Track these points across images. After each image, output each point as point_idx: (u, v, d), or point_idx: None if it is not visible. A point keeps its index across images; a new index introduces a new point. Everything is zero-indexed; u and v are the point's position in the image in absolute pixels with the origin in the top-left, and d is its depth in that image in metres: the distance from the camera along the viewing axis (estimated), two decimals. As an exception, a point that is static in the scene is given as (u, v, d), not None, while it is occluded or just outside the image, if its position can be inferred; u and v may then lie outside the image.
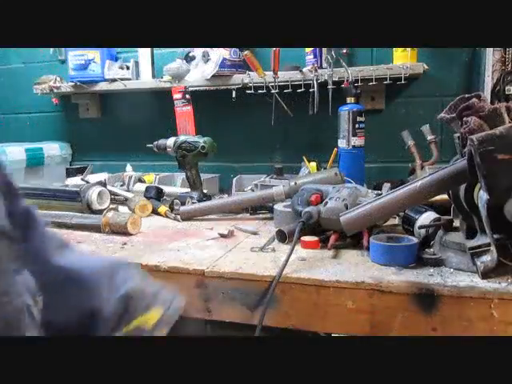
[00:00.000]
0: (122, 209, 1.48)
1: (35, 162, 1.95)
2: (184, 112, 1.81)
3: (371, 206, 0.90)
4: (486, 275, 0.76)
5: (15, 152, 1.87)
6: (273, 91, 1.68)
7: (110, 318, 0.52)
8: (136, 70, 1.92)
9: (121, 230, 1.24)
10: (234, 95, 1.72)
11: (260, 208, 1.44)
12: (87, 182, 1.54)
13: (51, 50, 2.07)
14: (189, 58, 1.81)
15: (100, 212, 1.34)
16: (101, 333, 0.50)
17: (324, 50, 1.65)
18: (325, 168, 1.61)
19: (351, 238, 1.08)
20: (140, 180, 1.81)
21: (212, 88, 1.80)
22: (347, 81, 1.54)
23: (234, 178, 1.75)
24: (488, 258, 0.78)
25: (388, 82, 1.57)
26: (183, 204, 1.47)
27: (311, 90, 1.63)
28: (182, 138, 1.61)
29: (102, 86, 1.88)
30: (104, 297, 0.52)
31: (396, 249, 0.94)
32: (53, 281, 0.51)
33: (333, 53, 1.63)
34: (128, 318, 0.52)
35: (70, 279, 0.52)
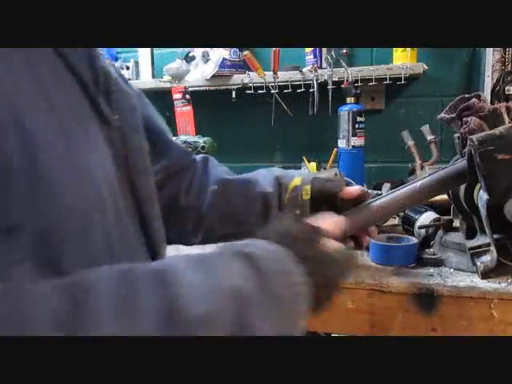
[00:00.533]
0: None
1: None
2: (184, 112, 1.81)
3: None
4: (485, 275, 0.76)
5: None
6: (273, 91, 1.68)
7: (274, 194, 0.80)
8: (136, 70, 1.92)
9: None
10: (233, 95, 1.72)
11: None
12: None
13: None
14: (189, 58, 1.81)
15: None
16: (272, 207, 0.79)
17: (324, 50, 1.65)
18: (325, 168, 1.61)
19: (351, 239, 1.08)
20: (140, 180, 1.81)
21: (212, 88, 1.80)
22: (347, 81, 1.54)
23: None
24: (488, 258, 0.78)
25: (388, 82, 1.57)
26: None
27: (311, 90, 1.63)
28: (181, 138, 1.61)
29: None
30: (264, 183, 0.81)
31: (396, 249, 0.94)
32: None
33: (333, 53, 1.63)
34: (284, 188, 0.81)
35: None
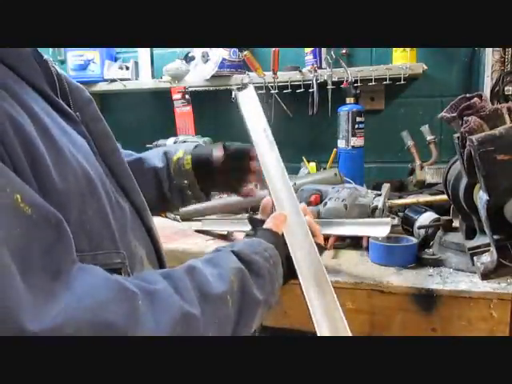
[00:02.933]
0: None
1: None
2: (183, 112, 1.81)
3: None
4: (485, 276, 0.75)
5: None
6: (272, 91, 1.68)
7: (163, 168, 0.92)
8: (135, 70, 1.92)
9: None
10: (233, 96, 1.72)
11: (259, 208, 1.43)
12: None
13: (50, 50, 2.07)
14: (188, 59, 1.81)
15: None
16: None
17: (324, 50, 1.65)
18: (324, 168, 1.61)
19: (351, 239, 1.08)
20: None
21: (211, 88, 1.80)
22: (347, 81, 1.54)
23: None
24: (488, 259, 0.78)
25: (387, 82, 1.57)
26: (183, 204, 1.47)
27: (311, 91, 1.63)
28: (181, 138, 1.61)
29: (102, 87, 1.88)
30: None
31: (395, 249, 0.94)
32: None
33: (332, 53, 1.63)
34: (170, 161, 0.92)
35: None
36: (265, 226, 0.70)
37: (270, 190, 0.77)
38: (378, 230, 0.91)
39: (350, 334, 0.62)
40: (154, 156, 0.96)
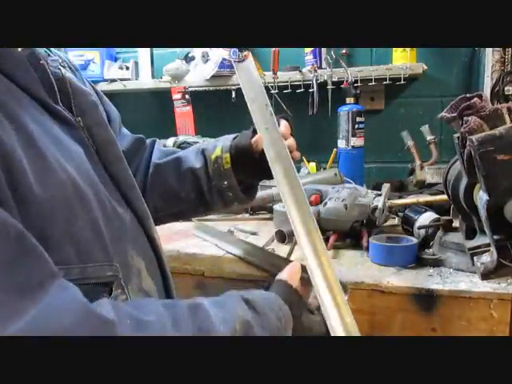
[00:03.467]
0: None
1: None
2: (184, 112, 1.81)
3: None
4: (485, 276, 0.75)
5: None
6: (272, 91, 1.68)
7: (201, 167, 0.87)
8: (135, 70, 1.92)
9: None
10: (233, 95, 1.73)
11: (260, 208, 1.44)
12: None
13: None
14: (188, 59, 1.81)
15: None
16: None
17: (323, 50, 1.65)
18: (324, 168, 1.61)
19: (351, 239, 1.08)
20: (139, 180, 1.81)
21: (211, 88, 1.80)
22: (347, 81, 1.54)
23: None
24: (488, 259, 0.78)
25: (387, 82, 1.57)
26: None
27: (311, 91, 1.63)
28: (181, 138, 1.60)
29: (102, 87, 1.88)
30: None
31: (395, 249, 0.94)
32: None
33: (332, 53, 1.63)
34: (208, 160, 0.86)
35: None
36: (280, 277, 0.66)
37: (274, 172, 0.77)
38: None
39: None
40: (191, 155, 0.90)
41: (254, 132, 0.84)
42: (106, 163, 0.61)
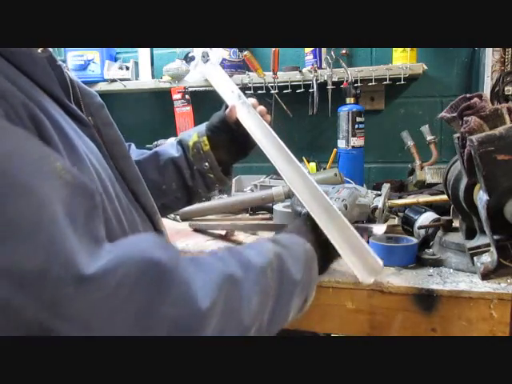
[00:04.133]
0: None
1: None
2: (184, 112, 1.80)
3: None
4: (485, 276, 0.75)
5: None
6: (272, 91, 1.68)
7: (181, 156, 0.92)
8: (135, 70, 1.92)
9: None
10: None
11: (259, 208, 1.44)
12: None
13: (50, 50, 2.07)
14: (188, 59, 1.81)
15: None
16: None
17: (323, 50, 1.65)
18: (324, 168, 1.61)
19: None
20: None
21: (211, 88, 1.79)
22: (347, 81, 1.54)
23: (234, 179, 1.75)
24: (488, 260, 0.78)
25: (387, 82, 1.57)
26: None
27: (311, 91, 1.63)
28: (181, 138, 1.60)
29: (102, 87, 1.88)
30: None
31: (395, 249, 0.94)
32: None
33: (332, 53, 1.63)
34: (186, 148, 0.92)
35: None
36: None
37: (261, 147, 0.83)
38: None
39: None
40: (168, 147, 0.95)
41: (226, 109, 0.90)
42: (115, 160, 0.65)
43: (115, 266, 0.39)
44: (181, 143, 0.94)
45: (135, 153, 0.95)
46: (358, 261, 0.69)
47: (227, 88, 0.95)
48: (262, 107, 0.92)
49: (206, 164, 0.91)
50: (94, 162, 0.54)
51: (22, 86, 0.49)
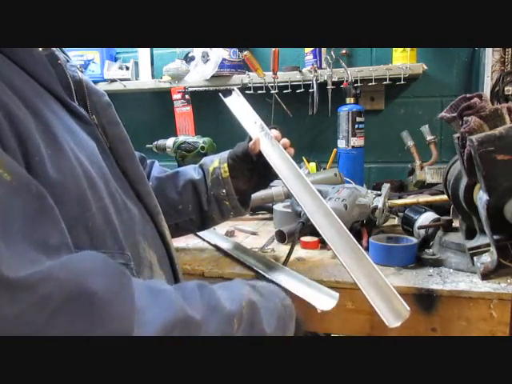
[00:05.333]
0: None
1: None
2: (183, 112, 1.81)
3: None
4: (485, 276, 0.76)
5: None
6: (272, 92, 1.68)
7: (201, 179, 0.94)
8: (135, 70, 1.92)
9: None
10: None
11: (259, 208, 1.44)
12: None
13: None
14: (188, 59, 1.81)
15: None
16: None
17: (323, 50, 1.65)
18: (324, 168, 1.61)
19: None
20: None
21: (211, 88, 1.80)
22: (347, 81, 1.54)
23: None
24: (488, 259, 0.78)
25: (387, 82, 1.57)
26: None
27: (311, 91, 1.63)
28: (181, 138, 1.61)
29: (102, 87, 1.87)
30: None
31: (395, 249, 0.94)
32: None
33: (332, 53, 1.63)
34: (206, 172, 0.94)
35: None
36: None
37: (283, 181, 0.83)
38: (322, 301, 0.76)
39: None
40: (189, 169, 0.96)
41: (250, 140, 0.90)
42: (119, 159, 0.65)
43: (39, 279, 0.35)
44: (202, 167, 0.95)
45: (157, 169, 0.96)
46: (385, 305, 0.67)
47: (250, 118, 0.95)
48: (285, 140, 0.94)
49: (224, 191, 0.91)
50: (81, 159, 0.53)
51: (14, 84, 0.49)
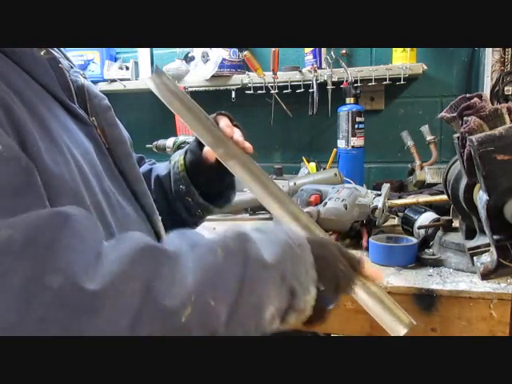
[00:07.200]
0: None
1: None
2: (183, 112, 1.80)
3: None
4: (485, 276, 0.75)
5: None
6: (272, 92, 1.68)
7: (166, 175, 0.85)
8: (135, 70, 1.92)
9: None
10: (233, 96, 1.72)
11: (259, 208, 1.43)
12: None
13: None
14: (188, 59, 1.81)
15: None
16: None
17: (323, 50, 1.65)
18: (324, 168, 1.61)
19: (351, 239, 1.08)
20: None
21: (211, 88, 1.80)
22: (346, 81, 1.54)
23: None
24: (488, 259, 0.78)
25: (387, 82, 1.57)
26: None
27: (311, 91, 1.63)
28: (181, 138, 1.60)
29: (102, 87, 1.88)
30: None
31: (395, 249, 0.94)
32: None
33: (332, 53, 1.63)
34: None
35: None
36: None
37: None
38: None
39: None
40: (161, 165, 0.89)
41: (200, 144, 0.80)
42: (116, 160, 0.66)
43: (9, 224, 0.37)
44: (171, 161, 0.87)
45: (143, 167, 0.90)
46: (389, 318, 0.61)
47: (191, 110, 0.77)
48: (237, 136, 0.74)
49: (182, 187, 0.82)
50: (77, 157, 0.55)
51: (12, 81, 0.51)
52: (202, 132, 0.72)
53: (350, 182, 1.37)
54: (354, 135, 1.49)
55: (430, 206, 1.13)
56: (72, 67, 0.67)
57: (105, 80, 1.88)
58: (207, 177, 0.82)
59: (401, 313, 0.61)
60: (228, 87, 1.74)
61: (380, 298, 0.60)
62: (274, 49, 1.61)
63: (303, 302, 0.48)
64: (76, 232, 0.39)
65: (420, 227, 1.02)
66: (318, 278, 0.50)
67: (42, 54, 0.59)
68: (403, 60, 1.56)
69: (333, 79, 1.60)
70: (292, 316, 0.49)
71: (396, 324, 0.59)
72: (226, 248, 0.45)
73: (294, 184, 1.35)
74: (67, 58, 0.69)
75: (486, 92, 1.44)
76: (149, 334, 0.38)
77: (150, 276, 0.39)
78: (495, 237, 0.70)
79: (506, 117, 0.66)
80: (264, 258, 0.46)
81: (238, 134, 0.74)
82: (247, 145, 0.74)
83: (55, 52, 0.64)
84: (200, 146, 0.80)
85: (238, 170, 0.70)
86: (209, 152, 0.78)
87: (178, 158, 0.85)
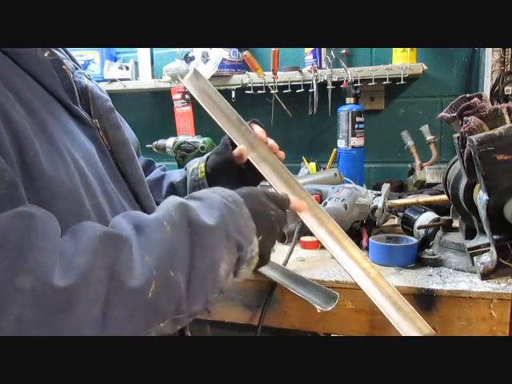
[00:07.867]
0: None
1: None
2: (183, 112, 1.81)
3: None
4: (485, 276, 0.75)
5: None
6: (272, 91, 1.68)
7: (181, 181, 0.89)
8: (135, 70, 1.92)
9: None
10: (233, 95, 1.72)
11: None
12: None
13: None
14: (188, 59, 1.81)
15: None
16: None
17: (323, 50, 1.65)
18: (324, 168, 1.61)
19: (351, 239, 1.08)
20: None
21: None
22: (346, 81, 1.54)
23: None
24: (488, 259, 0.78)
25: (387, 82, 1.57)
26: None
27: (310, 91, 1.63)
28: (181, 138, 1.60)
29: (101, 87, 1.88)
30: None
31: (395, 249, 0.94)
32: None
33: (332, 53, 1.63)
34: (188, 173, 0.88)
35: None
36: None
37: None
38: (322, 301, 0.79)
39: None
40: (175, 171, 0.93)
41: (232, 144, 0.83)
42: (119, 162, 0.66)
43: None
44: (186, 168, 0.91)
45: (154, 172, 0.95)
46: (409, 324, 0.69)
47: (223, 110, 0.84)
48: (272, 142, 0.83)
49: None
50: (76, 158, 0.55)
51: (13, 84, 0.51)
52: (236, 135, 0.80)
53: (349, 182, 1.37)
54: (353, 135, 1.49)
55: (429, 206, 1.13)
56: (77, 68, 0.67)
57: (105, 80, 1.88)
58: (228, 180, 0.82)
59: (420, 321, 0.67)
60: (228, 87, 1.74)
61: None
62: (273, 49, 1.61)
63: (249, 252, 0.55)
64: (41, 232, 0.40)
65: (420, 227, 1.02)
66: (255, 227, 0.56)
67: (45, 55, 0.59)
68: (403, 60, 1.56)
69: (333, 79, 1.60)
70: (243, 267, 0.55)
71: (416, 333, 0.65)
72: (172, 221, 0.49)
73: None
74: (72, 59, 0.69)
75: (486, 92, 1.44)
76: (121, 317, 0.40)
77: (112, 262, 0.42)
78: (495, 237, 0.70)
79: (506, 117, 0.66)
80: (206, 222, 0.51)
81: (271, 141, 0.82)
82: (279, 151, 0.82)
83: (60, 53, 0.64)
84: (227, 149, 0.84)
85: (269, 173, 0.77)
86: (238, 153, 0.81)
87: (196, 164, 0.88)
